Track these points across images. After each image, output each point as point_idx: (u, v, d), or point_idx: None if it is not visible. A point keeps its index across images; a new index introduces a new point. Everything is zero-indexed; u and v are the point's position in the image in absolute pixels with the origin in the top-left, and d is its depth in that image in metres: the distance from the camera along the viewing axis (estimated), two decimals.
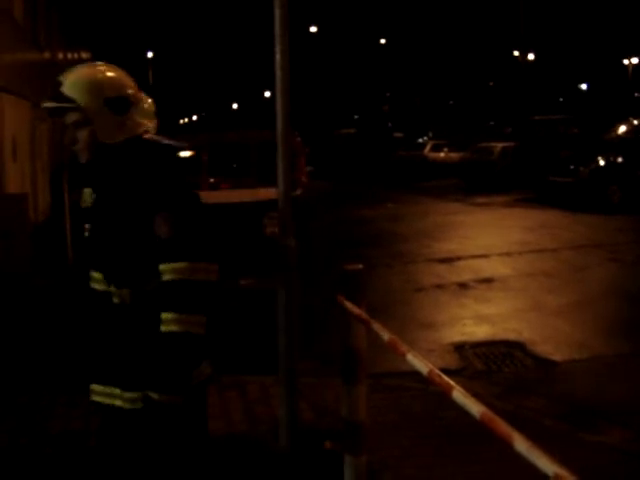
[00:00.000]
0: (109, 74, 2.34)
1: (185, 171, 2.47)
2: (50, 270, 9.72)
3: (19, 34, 14.46)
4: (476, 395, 2.20)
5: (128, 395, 2.29)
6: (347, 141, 32.69)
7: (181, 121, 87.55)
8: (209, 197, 7.32)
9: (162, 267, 2.23)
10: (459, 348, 6.48)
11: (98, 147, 2.29)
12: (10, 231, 9.45)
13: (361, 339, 3.35)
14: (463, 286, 8.79)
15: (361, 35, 63.98)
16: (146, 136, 2.35)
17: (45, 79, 14.49)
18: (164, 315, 2.20)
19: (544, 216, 14.69)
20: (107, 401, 2.35)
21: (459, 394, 2.13)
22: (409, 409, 4.84)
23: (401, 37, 60.85)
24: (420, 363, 2.46)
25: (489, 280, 9.03)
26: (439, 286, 8.87)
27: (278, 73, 4.17)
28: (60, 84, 2.28)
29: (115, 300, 2.33)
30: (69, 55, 25.22)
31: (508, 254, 10.65)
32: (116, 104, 2.28)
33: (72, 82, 2.28)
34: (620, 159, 16.77)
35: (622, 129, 21.69)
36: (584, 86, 59.38)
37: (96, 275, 2.41)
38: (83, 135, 2.29)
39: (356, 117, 59.21)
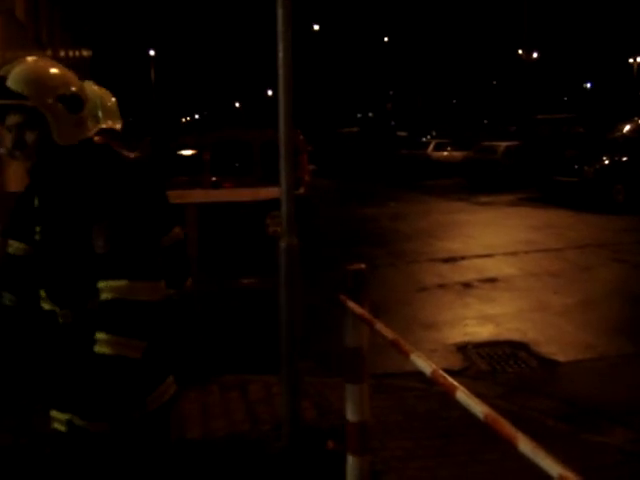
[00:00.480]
0: (58, 69, 2.08)
1: (138, 179, 2.24)
2: None
3: (21, 32, 14.48)
4: (480, 395, 2.17)
5: (61, 417, 2.13)
6: (350, 140, 32.62)
7: (183, 120, 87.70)
8: (211, 196, 7.31)
9: (100, 285, 2.00)
10: (462, 348, 6.45)
11: (48, 150, 2.03)
12: None
13: (364, 339, 3.34)
14: (467, 286, 8.75)
15: (364, 33, 64.01)
16: (96, 139, 2.16)
17: None
18: (98, 334, 1.99)
19: (548, 215, 14.64)
20: (52, 424, 2.19)
21: (463, 394, 2.11)
22: (412, 409, 4.82)
23: (404, 36, 60.83)
24: (424, 363, 2.44)
25: (493, 280, 8.99)
26: (442, 286, 8.84)
27: (281, 71, 4.15)
28: (3, 79, 1.97)
29: (60, 320, 2.11)
30: (71, 53, 25.24)
31: (512, 254, 10.61)
32: (70, 101, 2.03)
33: (21, 76, 1.97)
34: (625, 158, 16.69)
35: (627, 128, 21.58)
36: (589, 85, 59.32)
37: (42, 293, 2.16)
38: (31, 137, 2.02)
39: (359, 116, 59.26)
